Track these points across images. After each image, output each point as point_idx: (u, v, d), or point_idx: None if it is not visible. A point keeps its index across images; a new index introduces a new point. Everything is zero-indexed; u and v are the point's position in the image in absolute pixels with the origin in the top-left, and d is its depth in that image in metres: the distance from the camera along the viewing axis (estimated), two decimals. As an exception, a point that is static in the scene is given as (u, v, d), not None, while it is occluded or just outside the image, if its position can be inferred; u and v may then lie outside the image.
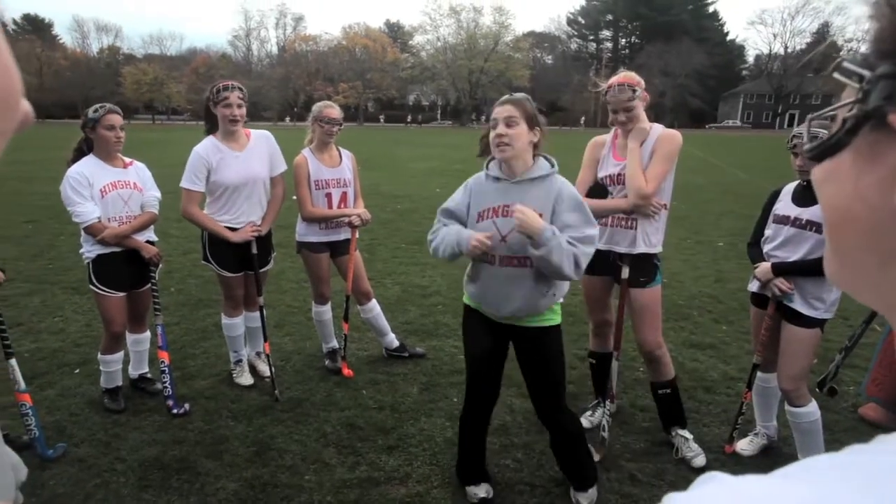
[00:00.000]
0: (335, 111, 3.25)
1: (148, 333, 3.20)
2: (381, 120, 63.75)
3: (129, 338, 3.16)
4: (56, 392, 3.17)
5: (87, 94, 60.80)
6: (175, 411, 2.91)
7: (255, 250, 3.10)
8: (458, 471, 2.38)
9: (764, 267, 2.40)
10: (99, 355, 3.01)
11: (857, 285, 0.35)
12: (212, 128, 3.05)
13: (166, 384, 2.96)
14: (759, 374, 2.61)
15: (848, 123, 0.30)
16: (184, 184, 2.97)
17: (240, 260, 3.12)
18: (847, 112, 0.31)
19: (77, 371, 3.39)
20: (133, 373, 3.23)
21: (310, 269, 3.41)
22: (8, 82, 0.25)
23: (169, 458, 2.56)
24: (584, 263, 1.96)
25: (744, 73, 73.46)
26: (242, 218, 3.08)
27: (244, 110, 2.99)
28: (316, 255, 3.33)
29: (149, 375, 3.24)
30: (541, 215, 1.95)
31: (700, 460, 2.56)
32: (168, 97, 58.95)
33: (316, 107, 3.28)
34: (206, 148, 2.99)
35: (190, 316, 4.34)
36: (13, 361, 2.57)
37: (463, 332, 2.28)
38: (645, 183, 2.40)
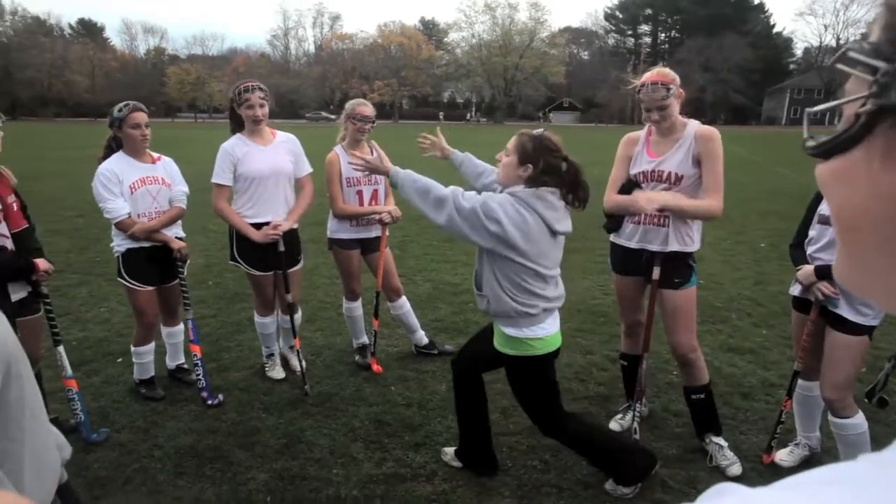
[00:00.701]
0: (368, 109, 3.27)
1: (181, 326, 3.30)
2: (441, 117, 62.72)
3: (164, 331, 3.28)
4: (101, 379, 3.31)
5: (135, 93, 63.25)
6: (209, 402, 3.00)
7: (282, 248, 3.10)
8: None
9: (807, 270, 2.30)
10: (132, 347, 3.13)
11: (869, 288, 0.33)
12: (236, 127, 3.12)
13: (199, 376, 3.05)
14: (800, 381, 2.50)
15: (862, 119, 0.28)
16: (213, 179, 3.05)
17: (267, 259, 3.13)
18: (860, 107, 0.28)
19: (120, 360, 3.53)
20: (170, 364, 3.34)
21: (340, 266, 3.45)
22: None
23: (203, 447, 2.64)
24: (446, 206, 1.98)
25: (791, 66, 70.46)
26: (268, 214, 3.08)
27: (266, 109, 3.03)
28: (347, 251, 3.36)
29: (185, 366, 3.35)
30: None
31: (736, 469, 2.47)
32: (209, 96, 60.61)
33: (349, 104, 3.30)
34: (232, 143, 3.06)
35: (226, 309, 4.46)
36: (61, 349, 2.70)
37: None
38: (709, 203, 2.34)
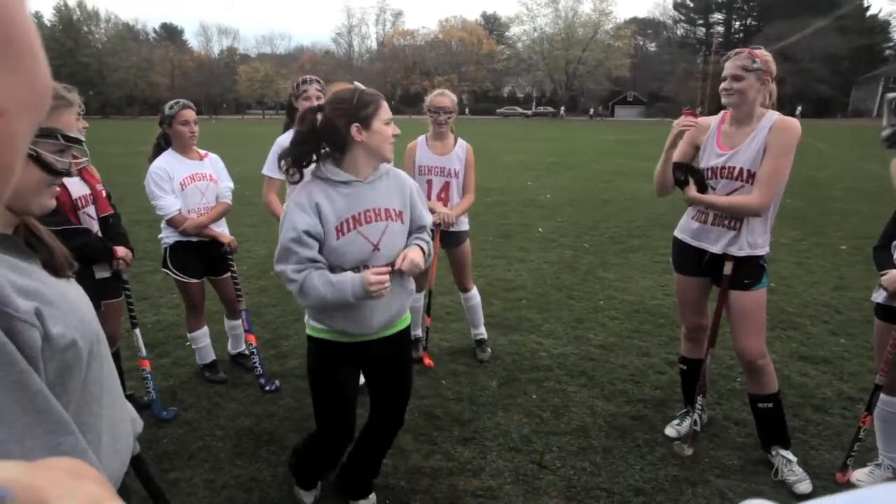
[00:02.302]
0: (446, 100, 3.28)
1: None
2: (511, 113, 61.92)
3: (227, 323, 3.49)
4: (171, 361, 3.53)
5: (209, 92, 66.88)
6: (266, 388, 3.12)
7: None
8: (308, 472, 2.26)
9: (893, 275, 2.10)
10: (188, 334, 3.31)
11: None
12: (291, 122, 3.17)
13: (256, 364, 3.18)
14: (882, 396, 2.29)
15: None
16: (263, 170, 3.14)
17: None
18: None
19: (188, 344, 3.74)
20: (232, 351, 3.53)
21: None
22: (48, 81, 0.29)
23: (260, 430, 2.76)
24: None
25: (887, 52, 64.33)
26: None
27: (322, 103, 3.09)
28: None
29: (246, 352, 3.51)
30: (401, 213, 1.88)
31: (805, 486, 2.31)
32: (276, 93, 63.15)
33: (429, 97, 3.34)
34: (287, 138, 3.13)
35: (286, 299, 4.63)
36: (137, 331, 2.90)
37: (321, 374, 1.99)
38: (746, 198, 2.21)
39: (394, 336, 1.99)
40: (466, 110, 62.57)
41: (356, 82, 1.81)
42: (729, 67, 2.22)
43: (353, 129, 1.73)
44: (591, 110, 60.93)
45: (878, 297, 2.22)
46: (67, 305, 0.80)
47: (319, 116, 1.77)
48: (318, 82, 3.07)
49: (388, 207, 1.84)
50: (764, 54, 2.21)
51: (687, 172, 2.38)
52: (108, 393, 0.91)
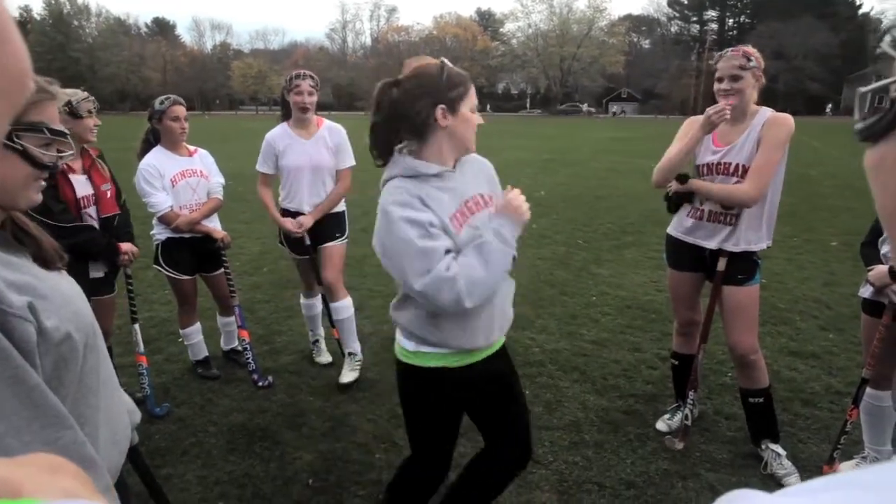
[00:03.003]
0: None
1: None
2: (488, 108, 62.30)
3: (220, 320, 3.50)
4: (163, 357, 3.53)
5: (202, 87, 66.44)
6: (259, 384, 3.12)
7: (307, 241, 3.17)
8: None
9: (879, 270, 2.13)
10: (180, 330, 3.31)
11: None
12: (286, 114, 3.17)
13: (249, 360, 3.18)
14: (868, 390, 2.32)
15: (893, 105, 0.25)
16: (257, 167, 3.17)
17: (302, 245, 3.20)
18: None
19: (181, 340, 3.72)
20: (224, 347, 3.53)
21: None
22: (23, 65, 0.28)
23: (253, 426, 2.76)
24: None
25: (878, 51, 64.74)
26: (307, 207, 3.14)
27: (315, 98, 3.07)
28: None
29: (239, 348, 3.51)
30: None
31: (793, 480, 2.34)
32: (270, 89, 62.84)
33: None
34: (276, 134, 3.13)
35: (279, 295, 4.63)
36: (137, 326, 2.91)
37: (424, 407, 1.66)
38: (738, 187, 2.22)
39: (503, 348, 1.68)
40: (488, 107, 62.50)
41: (443, 59, 1.50)
42: (725, 68, 2.23)
43: (439, 111, 1.44)
44: (488, 106, 60.77)
45: (865, 292, 2.25)
46: (61, 298, 0.81)
47: (395, 92, 1.45)
48: (311, 78, 3.06)
49: (482, 193, 1.57)
50: (754, 51, 2.23)
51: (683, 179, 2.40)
52: (105, 385, 0.91)
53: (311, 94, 3.05)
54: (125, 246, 2.67)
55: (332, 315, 3.27)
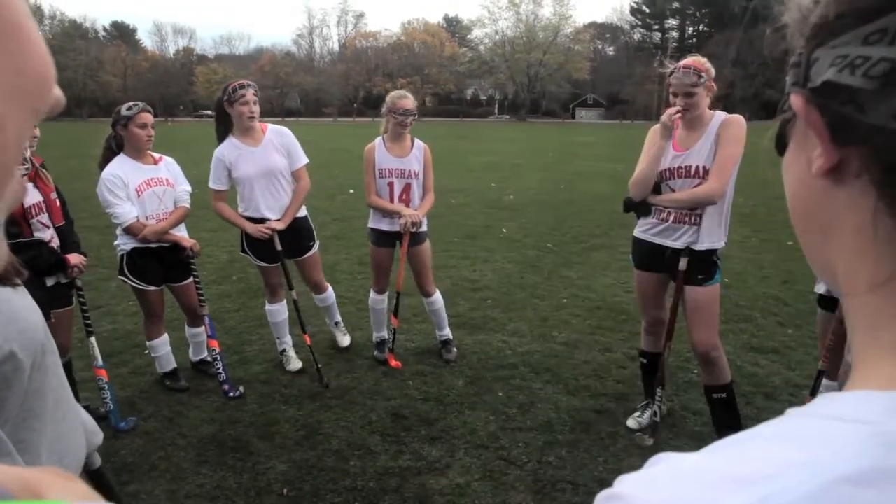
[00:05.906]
0: (409, 102, 3.26)
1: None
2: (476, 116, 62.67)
3: (188, 331, 3.40)
4: (129, 370, 3.42)
5: (164, 93, 64.81)
6: (230, 395, 3.07)
7: (279, 246, 3.18)
8: None
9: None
10: (147, 342, 3.23)
11: (819, 270, 0.35)
12: (225, 130, 3.14)
13: (219, 370, 3.12)
14: (824, 381, 2.44)
15: (787, 113, 0.30)
16: (210, 184, 3.16)
17: (272, 251, 3.20)
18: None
19: (147, 352, 3.62)
20: (193, 358, 3.44)
21: (371, 259, 3.53)
22: (46, 69, 0.27)
23: (225, 437, 2.70)
24: None
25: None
26: (267, 212, 3.16)
27: (258, 107, 3.09)
28: (378, 248, 3.43)
29: (209, 359, 3.43)
30: None
31: (756, 469, 2.43)
32: (236, 95, 61.75)
33: (389, 97, 3.30)
34: (224, 148, 3.13)
35: (249, 304, 4.55)
36: (93, 339, 2.81)
37: None
38: (704, 187, 2.32)
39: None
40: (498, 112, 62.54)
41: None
42: (678, 86, 2.34)
43: None
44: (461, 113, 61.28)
45: (820, 288, 2.37)
46: (6, 316, 0.77)
47: None
48: (253, 86, 3.08)
49: None
50: (704, 63, 2.33)
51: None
52: (56, 407, 0.86)
53: (255, 102, 3.08)
54: (73, 258, 2.59)
55: (319, 304, 3.65)
